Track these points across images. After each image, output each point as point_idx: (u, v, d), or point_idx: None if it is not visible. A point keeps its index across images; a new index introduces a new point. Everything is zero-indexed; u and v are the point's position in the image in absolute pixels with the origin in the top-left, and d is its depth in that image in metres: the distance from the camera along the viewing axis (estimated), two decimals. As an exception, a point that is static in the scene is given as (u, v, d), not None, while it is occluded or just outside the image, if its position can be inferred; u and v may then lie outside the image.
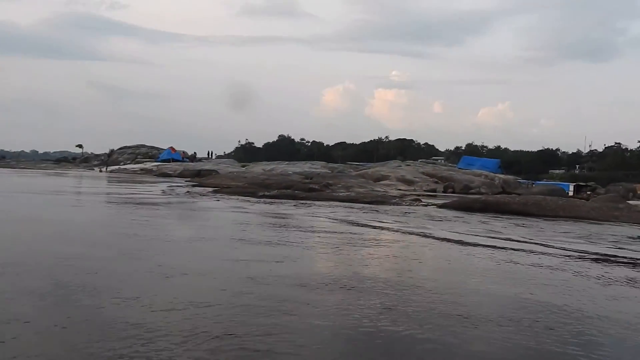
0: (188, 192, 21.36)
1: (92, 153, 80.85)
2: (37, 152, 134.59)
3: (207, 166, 53.42)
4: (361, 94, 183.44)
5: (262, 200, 18.24)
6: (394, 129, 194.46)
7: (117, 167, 55.47)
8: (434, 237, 9.12)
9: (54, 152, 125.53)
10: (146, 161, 58.19)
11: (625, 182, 61.35)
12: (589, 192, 38.57)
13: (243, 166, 61.03)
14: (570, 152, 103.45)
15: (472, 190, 43.09)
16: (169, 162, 57.00)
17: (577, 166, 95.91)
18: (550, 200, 14.99)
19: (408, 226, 10.56)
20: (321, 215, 12.29)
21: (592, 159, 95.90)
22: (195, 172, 46.28)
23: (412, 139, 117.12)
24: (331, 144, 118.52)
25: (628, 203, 18.02)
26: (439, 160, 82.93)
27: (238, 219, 10.98)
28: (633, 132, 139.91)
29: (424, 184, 46.10)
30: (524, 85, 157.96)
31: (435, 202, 19.24)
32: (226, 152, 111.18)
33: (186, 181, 34.71)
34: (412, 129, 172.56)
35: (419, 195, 31.44)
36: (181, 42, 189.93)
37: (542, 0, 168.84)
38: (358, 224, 10.40)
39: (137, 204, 14.35)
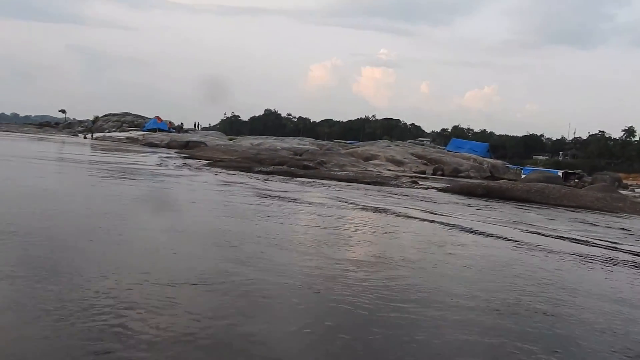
0: (185, 164, 20.91)
1: (74, 119, 79.08)
2: (18, 115, 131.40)
3: (194, 138, 52.61)
4: (348, 71, 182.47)
5: (259, 176, 17.92)
6: (380, 108, 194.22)
7: (102, 134, 54.30)
8: (487, 236, 7.68)
9: (35, 116, 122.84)
10: (132, 130, 57.05)
11: (608, 170, 62.45)
12: (576, 180, 39.07)
13: (230, 139, 60.32)
14: (555, 139, 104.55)
15: (462, 174, 43.39)
16: (155, 131, 55.98)
17: (561, 153, 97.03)
18: (553, 189, 14.99)
19: (436, 215, 9.96)
20: (331, 197, 12.02)
21: (575, 146, 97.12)
22: (184, 144, 45.57)
23: (398, 119, 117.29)
24: (317, 120, 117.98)
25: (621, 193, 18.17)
26: (426, 142, 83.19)
27: (258, 202, 10.66)
28: (617, 121, 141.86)
29: (413, 165, 46.19)
30: (510, 68, 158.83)
31: (435, 185, 19.17)
32: (211, 124, 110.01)
33: (176, 152, 34.13)
34: (398, 108, 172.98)
35: (411, 176, 31.50)
36: (165, 8, 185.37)
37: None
38: (386, 212, 9.81)
39: (151, 176, 13.96)
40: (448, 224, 8.65)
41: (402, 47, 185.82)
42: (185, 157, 26.99)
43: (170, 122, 59.79)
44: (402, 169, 42.92)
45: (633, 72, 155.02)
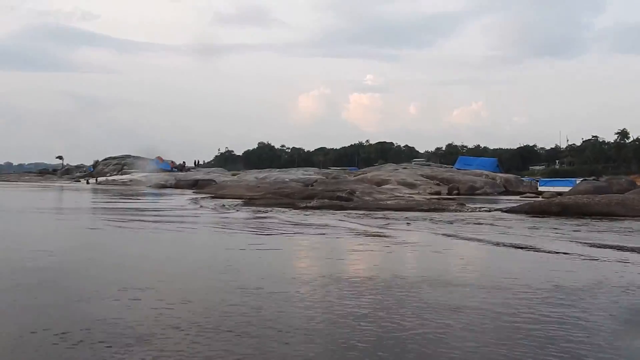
0: (223, 205, 19.88)
1: (67, 164, 77.67)
2: (12, 163, 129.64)
3: (198, 175, 51.62)
4: (337, 99, 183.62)
5: (311, 212, 17.00)
6: (372, 132, 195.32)
7: (104, 178, 53.04)
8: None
9: (29, 163, 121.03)
10: (133, 172, 55.89)
11: (604, 174, 62.43)
12: (594, 188, 38.62)
13: (234, 174, 59.32)
14: (549, 148, 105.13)
15: (478, 191, 42.83)
16: (157, 172, 54.94)
17: (557, 161, 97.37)
18: (633, 200, 14.27)
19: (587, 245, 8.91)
20: (426, 230, 11.11)
21: (570, 154, 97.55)
22: (192, 182, 44.50)
23: (391, 142, 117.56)
24: (311, 149, 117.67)
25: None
26: (418, 162, 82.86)
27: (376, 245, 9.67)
28: (609, 125, 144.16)
29: (426, 186, 45.44)
30: (495, 83, 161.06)
31: (495, 207, 18.37)
32: (206, 161, 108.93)
33: (194, 192, 33.02)
34: (390, 131, 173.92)
35: (440, 198, 30.75)
36: (153, 51, 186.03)
37: (507, 0, 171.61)
38: (504, 244, 8.94)
39: (218, 225, 12.94)
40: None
41: (387, 71, 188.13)
42: (211, 197, 25.97)
43: (172, 162, 58.80)
44: (417, 191, 42.22)
45: (617, 75, 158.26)
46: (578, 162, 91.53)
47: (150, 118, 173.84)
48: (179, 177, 48.91)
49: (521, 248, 8.53)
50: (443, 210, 17.02)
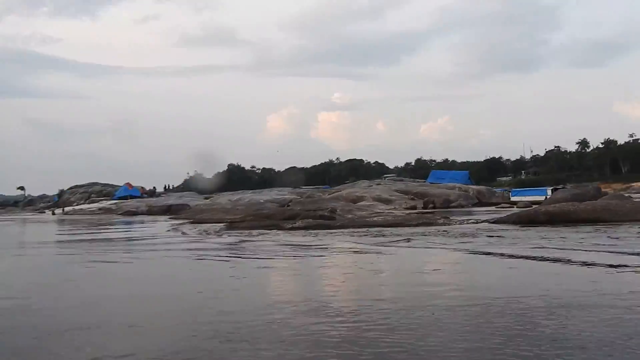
0: (205, 231, 19.33)
1: (29, 195, 75.07)
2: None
3: (170, 200, 50.56)
4: (306, 118, 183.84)
5: (298, 232, 16.70)
6: (341, 150, 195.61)
7: (71, 208, 51.32)
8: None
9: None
10: (102, 199, 54.38)
11: (568, 182, 64.23)
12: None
13: (206, 198, 58.36)
14: (514, 159, 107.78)
15: (453, 204, 43.22)
16: (127, 199, 53.60)
17: (523, 172, 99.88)
18: (617, 205, 14.54)
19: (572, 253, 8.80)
20: (437, 246, 10.82)
21: (535, 164, 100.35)
22: (166, 208, 43.59)
23: (361, 159, 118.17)
24: (282, 169, 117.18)
25: None
26: (391, 177, 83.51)
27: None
28: (570, 135, 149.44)
29: (401, 201, 45.72)
30: (461, 99, 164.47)
31: (480, 219, 18.44)
32: (175, 185, 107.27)
33: (170, 218, 32.20)
34: (359, 148, 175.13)
35: (419, 212, 30.83)
36: (116, 74, 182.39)
37: (469, 18, 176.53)
38: (515, 257, 8.77)
39: (201, 252, 12.43)
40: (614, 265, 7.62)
41: (355, 89, 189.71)
42: (191, 223, 25.29)
43: (142, 188, 57.49)
44: (392, 207, 42.35)
45: (574, 88, 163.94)
46: (543, 172, 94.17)
47: (117, 143, 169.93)
48: (151, 203, 47.77)
49: (577, 264, 7.81)
50: (431, 224, 16.96)
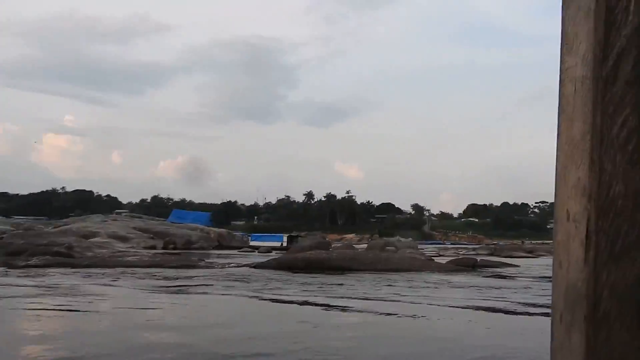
0: None
1: None
2: None
3: None
4: (26, 138, 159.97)
5: (42, 270, 14.16)
6: (68, 179, 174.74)
7: None
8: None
9: None
10: None
11: (296, 229, 71.25)
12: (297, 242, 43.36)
13: None
14: (249, 204, 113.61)
15: (195, 245, 43.12)
16: None
17: (256, 217, 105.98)
18: (362, 255, 16.55)
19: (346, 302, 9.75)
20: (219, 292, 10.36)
21: (267, 211, 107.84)
22: None
23: (91, 191, 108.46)
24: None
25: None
26: (127, 214, 78.85)
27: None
28: (299, 186, 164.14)
29: (140, 240, 43.53)
30: (203, 139, 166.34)
31: (244, 262, 18.61)
32: None
33: None
34: (89, 179, 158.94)
35: (171, 254, 29.46)
36: None
37: (217, 62, 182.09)
38: (315, 304, 9.03)
39: None
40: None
41: (90, 114, 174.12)
42: None
43: None
44: (130, 245, 39.98)
45: (306, 143, 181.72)
46: (273, 219, 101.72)
47: None
48: None
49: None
50: (194, 267, 16.37)
